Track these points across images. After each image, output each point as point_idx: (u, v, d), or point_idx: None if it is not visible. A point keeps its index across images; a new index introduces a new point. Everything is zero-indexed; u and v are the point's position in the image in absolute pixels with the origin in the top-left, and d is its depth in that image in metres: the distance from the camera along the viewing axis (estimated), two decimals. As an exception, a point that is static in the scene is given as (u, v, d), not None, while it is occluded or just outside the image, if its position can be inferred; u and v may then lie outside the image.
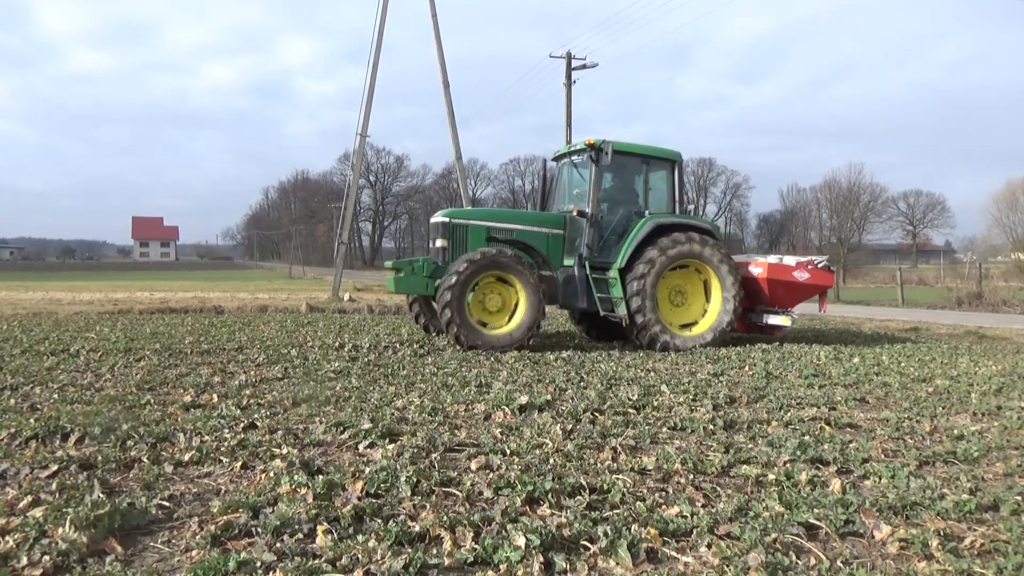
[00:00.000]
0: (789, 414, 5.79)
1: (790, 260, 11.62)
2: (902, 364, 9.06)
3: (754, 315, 11.71)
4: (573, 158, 11.29)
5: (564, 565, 2.84)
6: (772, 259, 11.63)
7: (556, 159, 11.92)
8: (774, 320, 11.46)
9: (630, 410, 5.87)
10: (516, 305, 10.09)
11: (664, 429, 5.29)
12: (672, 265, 10.59)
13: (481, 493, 3.70)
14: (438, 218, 10.75)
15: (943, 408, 6.23)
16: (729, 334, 10.90)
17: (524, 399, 5.97)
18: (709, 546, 3.01)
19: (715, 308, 10.87)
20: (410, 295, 11.53)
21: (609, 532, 3.06)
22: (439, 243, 10.54)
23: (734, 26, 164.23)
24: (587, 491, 3.69)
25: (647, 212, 10.81)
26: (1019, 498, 3.69)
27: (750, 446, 4.77)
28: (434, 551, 2.95)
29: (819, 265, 11.51)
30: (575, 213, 10.64)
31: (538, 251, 10.60)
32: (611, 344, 11.19)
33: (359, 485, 3.67)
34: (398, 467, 4.01)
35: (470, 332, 9.63)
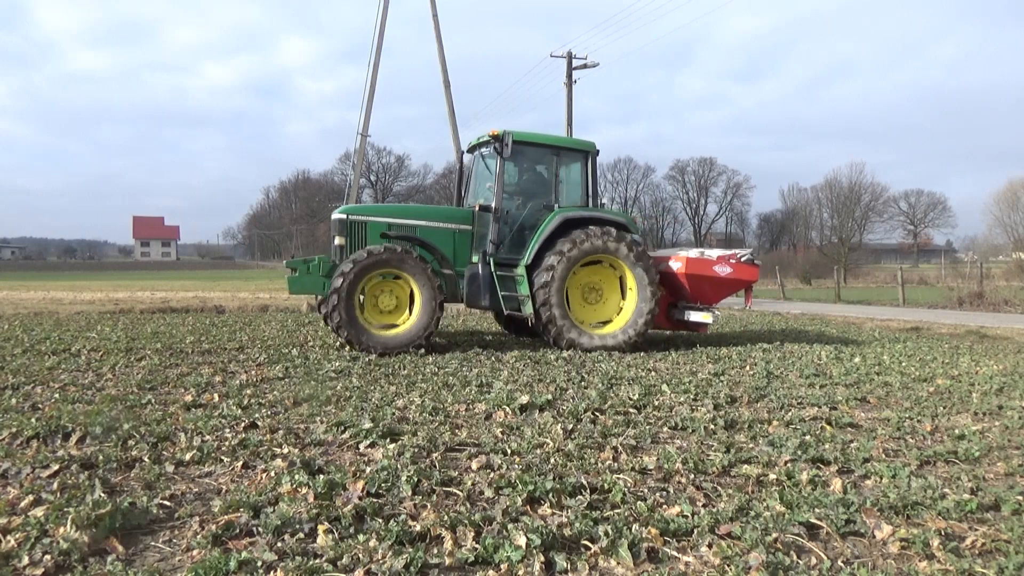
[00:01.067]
0: (790, 414, 5.79)
1: (713, 253, 11.12)
2: (903, 364, 9.05)
3: (677, 311, 11.31)
4: (483, 150, 10.85)
5: (565, 565, 2.84)
6: (693, 253, 11.17)
7: (470, 151, 11.43)
8: (695, 316, 10.99)
9: (631, 410, 5.87)
10: (412, 304, 9.69)
11: (665, 429, 5.29)
12: (585, 261, 10.20)
13: (482, 493, 3.70)
14: (336, 215, 10.32)
15: (944, 408, 6.23)
16: (646, 332, 10.43)
17: (525, 399, 5.97)
18: (710, 546, 3.01)
19: (630, 305, 10.41)
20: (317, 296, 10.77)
21: (610, 532, 3.06)
22: (337, 241, 10.09)
23: (734, 25, 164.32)
24: (588, 491, 3.69)
25: (557, 206, 10.34)
26: (1020, 498, 3.69)
27: (751, 446, 4.77)
28: (435, 551, 2.96)
29: (742, 259, 11.04)
30: (477, 208, 10.27)
31: (436, 248, 10.09)
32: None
33: (360, 485, 3.67)
34: (399, 467, 4.01)
35: (360, 333, 9.27)
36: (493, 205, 10.03)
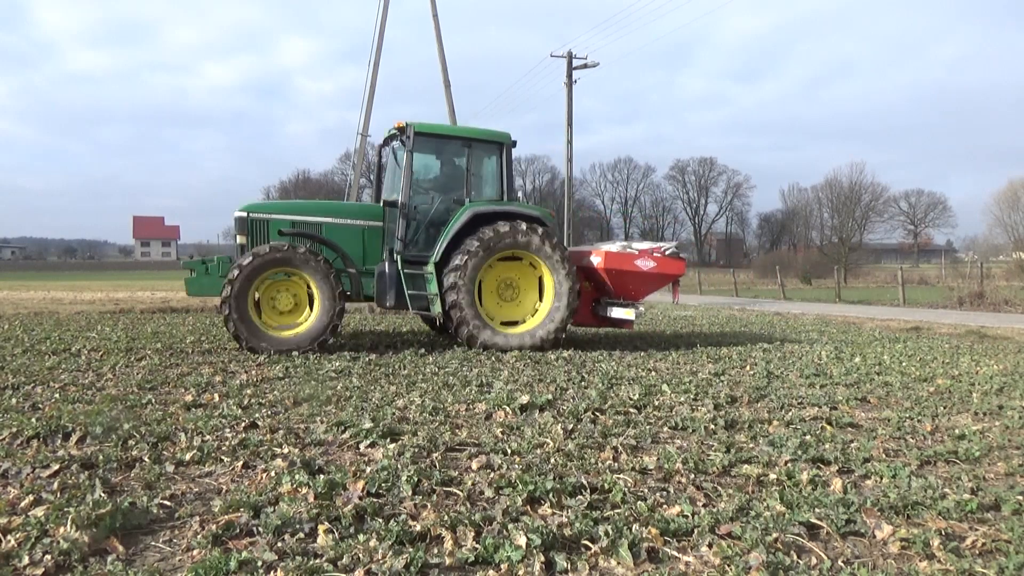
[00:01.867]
0: (790, 414, 5.79)
1: (637, 247, 10.71)
2: (903, 364, 9.05)
3: (600, 307, 10.92)
4: (394, 144, 10.50)
5: (565, 565, 2.84)
6: (615, 247, 10.79)
7: (384, 144, 11.08)
8: (617, 313, 10.54)
9: (631, 409, 5.87)
10: (311, 304, 9.36)
11: (665, 429, 5.29)
12: (499, 257, 9.86)
13: (482, 493, 3.70)
14: (237, 212, 9.90)
15: (944, 408, 6.23)
16: (565, 329, 10.06)
17: (525, 398, 5.97)
18: (710, 546, 3.01)
19: (547, 303, 10.02)
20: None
21: (610, 532, 3.06)
22: (238, 240, 9.78)
23: (734, 25, 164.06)
24: (588, 491, 3.69)
25: (468, 200, 9.95)
26: (1021, 498, 3.69)
27: (751, 446, 4.77)
28: (435, 551, 2.96)
29: (666, 252, 10.64)
30: (382, 203, 9.99)
31: (338, 246, 9.71)
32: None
33: (360, 484, 3.67)
34: (399, 466, 4.01)
35: (255, 335, 8.95)
36: (400, 200, 9.68)
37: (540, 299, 10.15)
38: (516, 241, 9.72)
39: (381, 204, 10.20)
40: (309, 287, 9.32)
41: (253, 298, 9.15)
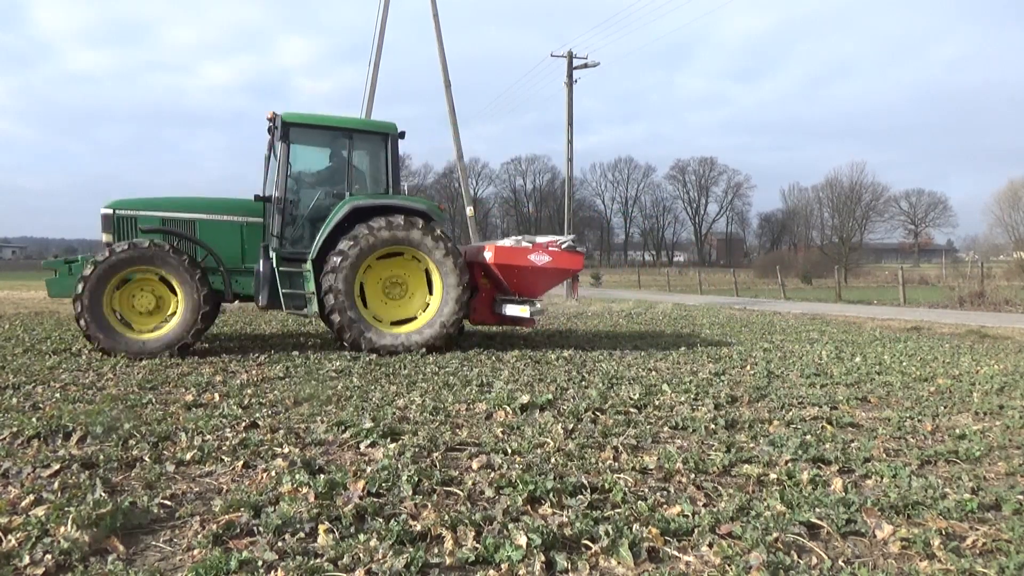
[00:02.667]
0: (791, 413, 5.79)
1: (533, 241, 10.19)
2: (904, 363, 9.05)
3: (496, 305, 10.40)
4: (274, 136, 9.87)
5: (565, 564, 2.84)
6: (508, 241, 10.37)
7: (270, 133, 10.36)
8: (511, 310, 10.02)
9: (631, 409, 5.87)
10: (176, 305, 8.89)
11: (665, 428, 5.29)
12: (386, 253, 9.39)
13: (482, 492, 3.70)
14: (102, 209, 9.35)
15: (945, 407, 6.23)
16: (456, 328, 9.62)
17: (525, 398, 5.97)
18: (711, 545, 3.01)
19: (436, 300, 9.53)
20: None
21: (610, 531, 3.06)
22: (104, 238, 9.23)
23: (734, 25, 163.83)
24: (588, 490, 3.69)
25: (348, 194, 9.50)
26: (1021, 497, 3.69)
27: (751, 445, 4.77)
28: (435, 550, 2.96)
29: (563, 246, 10.12)
30: (254, 198, 9.51)
31: (207, 243, 9.24)
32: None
33: (360, 484, 3.67)
34: (399, 466, 4.01)
35: (108, 335, 8.45)
36: (276, 194, 9.22)
37: (429, 296, 9.69)
38: (397, 237, 9.23)
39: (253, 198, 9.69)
40: (174, 289, 8.84)
41: (110, 298, 8.68)
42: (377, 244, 9.18)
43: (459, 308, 9.51)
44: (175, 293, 8.85)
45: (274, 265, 9.14)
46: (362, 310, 9.30)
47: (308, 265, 9.19)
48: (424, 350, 9.23)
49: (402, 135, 9.94)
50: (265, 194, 9.58)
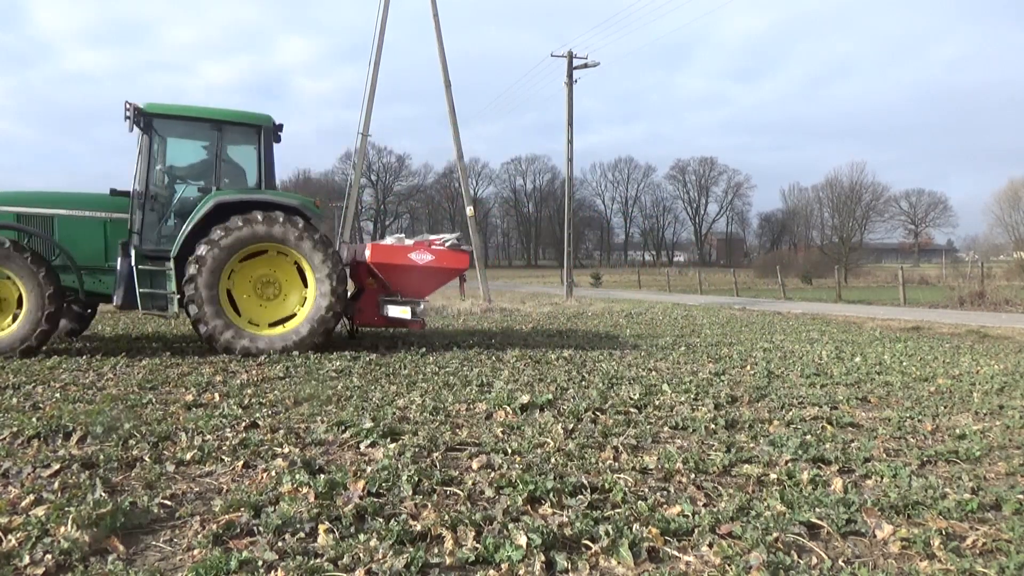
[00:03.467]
0: (791, 413, 5.79)
1: (427, 238, 9.96)
2: (904, 363, 9.05)
3: (380, 306, 10.01)
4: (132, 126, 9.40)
5: (566, 564, 2.84)
6: (390, 239, 10.06)
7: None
8: (394, 311, 9.66)
9: (631, 409, 5.87)
10: (20, 305, 8.44)
11: (665, 428, 5.29)
12: (253, 251, 8.96)
13: (483, 492, 3.70)
14: None
15: (945, 407, 6.23)
16: (330, 329, 9.26)
17: (525, 398, 5.97)
18: (711, 545, 3.01)
19: (310, 300, 9.12)
20: None
21: (610, 531, 3.06)
22: None
23: (734, 25, 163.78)
24: (588, 490, 3.69)
25: (215, 189, 9.07)
26: (1021, 497, 3.69)
27: (752, 445, 4.77)
28: (435, 550, 2.96)
29: (446, 244, 9.79)
30: (110, 192, 9.11)
31: (53, 240, 8.83)
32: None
33: (361, 484, 3.67)
34: (400, 466, 4.01)
35: None
36: (138, 188, 8.84)
37: (305, 296, 9.26)
38: (267, 233, 8.76)
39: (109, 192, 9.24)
40: (18, 288, 8.41)
41: None
42: (242, 241, 8.75)
43: (333, 309, 9.09)
44: (17, 293, 8.43)
45: (132, 263, 8.71)
46: (229, 310, 8.90)
47: (171, 263, 8.79)
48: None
49: (279, 128, 9.63)
50: (110, 188, 9.18)
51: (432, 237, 10.00)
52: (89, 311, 10.63)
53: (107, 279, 9.04)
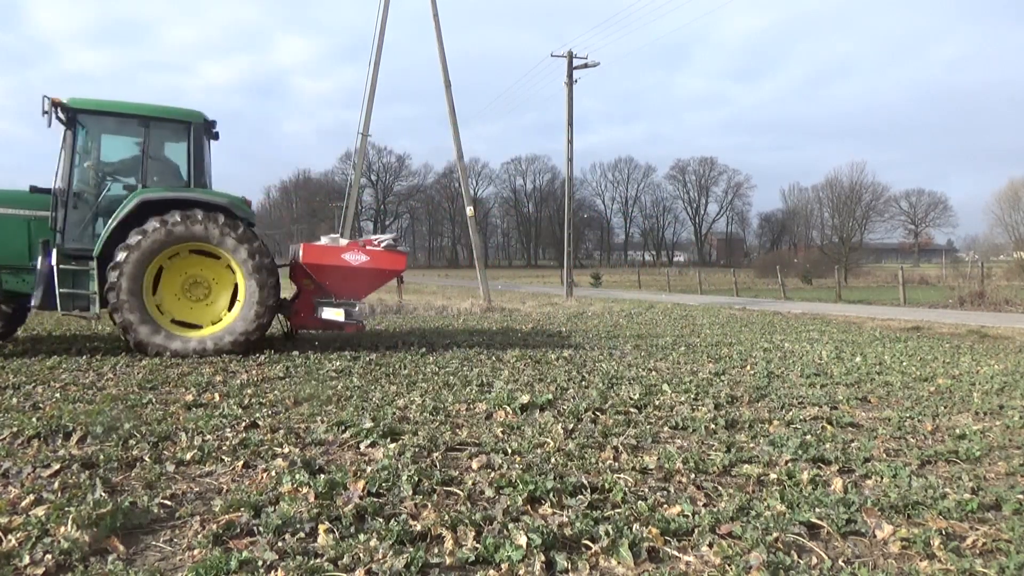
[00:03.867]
0: (791, 413, 5.79)
1: (366, 240, 9.78)
2: (904, 363, 9.05)
3: (316, 308, 9.73)
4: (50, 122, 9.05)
5: (566, 564, 2.84)
6: (325, 240, 9.83)
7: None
8: (327, 313, 9.43)
9: (631, 409, 5.87)
10: None
11: (665, 428, 5.29)
12: (180, 250, 8.72)
13: (483, 492, 3.70)
14: None
15: (945, 407, 6.23)
16: (259, 332, 8.95)
17: (525, 398, 5.97)
18: (711, 545, 3.01)
19: (239, 301, 8.88)
20: None
21: (611, 531, 3.06)
22: None
23: (733, 24, 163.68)
24: (588, 490, 3.69)
25: (141, 187, 8.84)
26: (1021, 497, 3.69)
27: (752, 445, 4.77)
28: (435, 550, 2.96)
29: (382, 245, 9.59)
30: (29, 189, 8.84)
31: None
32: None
33: (361, 484, 3.67)
34: (400, 466, 4.01)
35: None
36: (55, 185, 8.59)
37: (235, 298, 9.02)
38: (182, 233, 8.52)
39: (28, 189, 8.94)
40: None
41: None
42: (162, 243, 8.50)
43: (262, 312, 8.84)
44: None
45: (53, 263, 8.41)
46: (154, 311, 8.66)
47: (94, 263, 8.54)
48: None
49: (212, 124, 9.45)
50: (30, 185, 8.91)
51: (370, 238, 9.84)
52: (15, 312, 9.99)
53: (30, 279, 8.74)
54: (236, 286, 8.98)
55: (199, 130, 9.18)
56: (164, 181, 9.20)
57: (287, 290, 9.82)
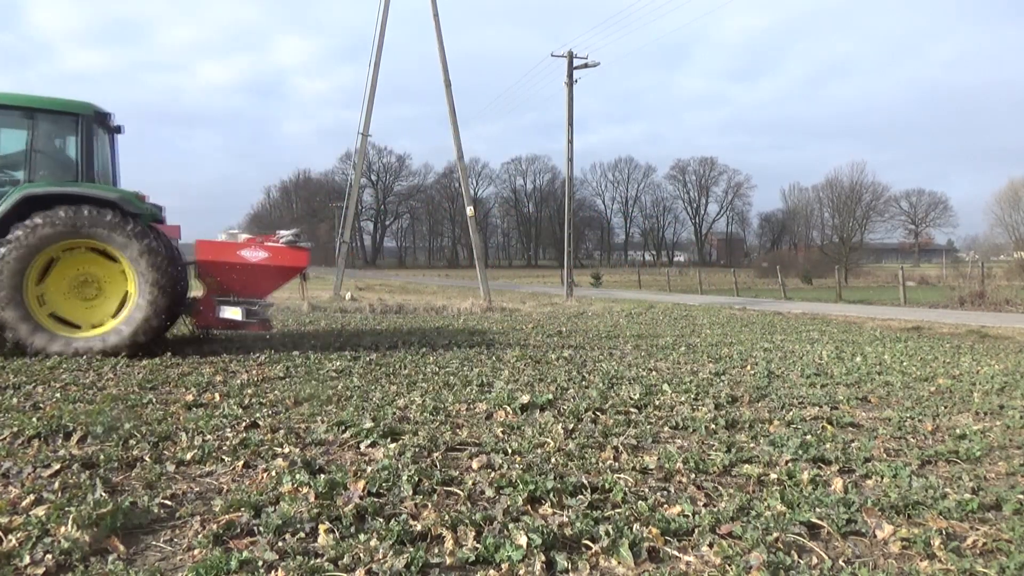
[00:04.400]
0: (791, 413, 5.79)
1: (278, 235, 9.50)
2: (904, 363, 9.05)
3: (216, 307, 9.38)
4: None
5: (566, 564, 2.84)
6: (222, 235, 9.50)
7: None
8: (225, 313, 9.08)
9: (632, 409, 5.87)
10: None
11: (666, 428, 5.29)
12: (78, 246, 8.40)
13: (483, 492, 3.70)
14: None
15: (945, 407, 6.23)
16: (154, 331, 8.61)
17: (526, 398, 5.97)
18: (711, 545, 3.01)
19: (131, 299, 8.52)
20: None
21: (611, 531, 3.06)
22: None
23: (733, 24, 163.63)
24: (589, 490, 3.69)
25: (27, 181, 8.47)
26: (1021, 497, 3.69)
27: (752, 445, 4.77)
28: (436, 550, 2.96)
29: (282, 241, 9.29)
30: None
31: None
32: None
33: (361, 484, 3.67)
34: (400, 466, 4.01)
35: None
36: None
37: (128, 296, 8.65)
38: (67, 230, 8.17)
39: None
40: None
41: None
42: (50, 237, 8.15)
43: (155, 305, 8.44)
44: None
45: None
46: (36, 310, 8.31)
47: None
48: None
49: (106, 116, 9.17)
50: None
51: (275, 234, 9.58)
52: None
53: None
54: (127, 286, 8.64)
55: (88, 122, 8.80)
56: (53, 176, 8.77)
57: (198, 289, 9.60)
